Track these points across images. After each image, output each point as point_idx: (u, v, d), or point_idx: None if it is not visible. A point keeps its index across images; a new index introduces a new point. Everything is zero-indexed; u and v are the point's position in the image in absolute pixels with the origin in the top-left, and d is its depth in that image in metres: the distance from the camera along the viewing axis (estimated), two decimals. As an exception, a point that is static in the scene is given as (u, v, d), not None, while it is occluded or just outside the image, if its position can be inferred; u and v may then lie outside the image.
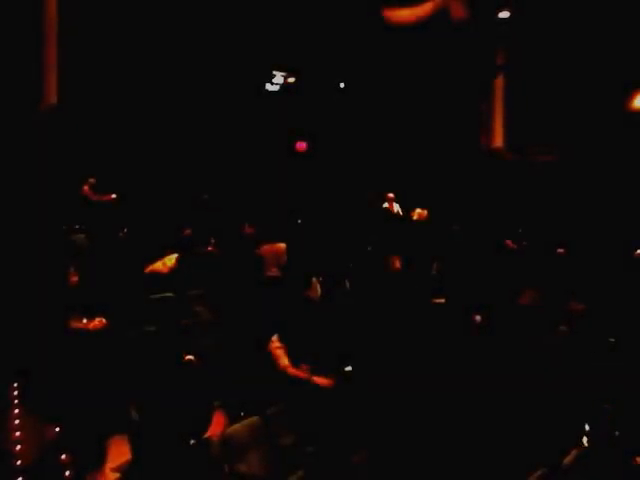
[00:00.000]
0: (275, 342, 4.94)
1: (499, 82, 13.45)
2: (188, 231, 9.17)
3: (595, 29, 11.52)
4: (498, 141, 13.54)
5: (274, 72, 14.32)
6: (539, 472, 3.52)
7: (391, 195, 11.35)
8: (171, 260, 7.16)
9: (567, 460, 3.77)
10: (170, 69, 12.02)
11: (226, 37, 12.43)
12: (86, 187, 10.25)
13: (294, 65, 14.12)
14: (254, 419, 4.08)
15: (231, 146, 12.81)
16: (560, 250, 8.07)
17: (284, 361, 4.80)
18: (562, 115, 12.12)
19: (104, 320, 5.13)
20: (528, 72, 12.66)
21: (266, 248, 7.50)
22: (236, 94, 13.01)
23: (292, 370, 4.77)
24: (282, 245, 7.49)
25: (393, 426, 4.22)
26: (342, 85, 14.96)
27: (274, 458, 3.99)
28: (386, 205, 11.32)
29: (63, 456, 3.27)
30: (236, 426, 3.99)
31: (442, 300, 7.20)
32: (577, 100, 11.89)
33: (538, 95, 12.47)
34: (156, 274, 6.99)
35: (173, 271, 7.04)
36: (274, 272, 7.45)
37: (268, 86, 14.39)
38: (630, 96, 11.82)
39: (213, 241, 8.75)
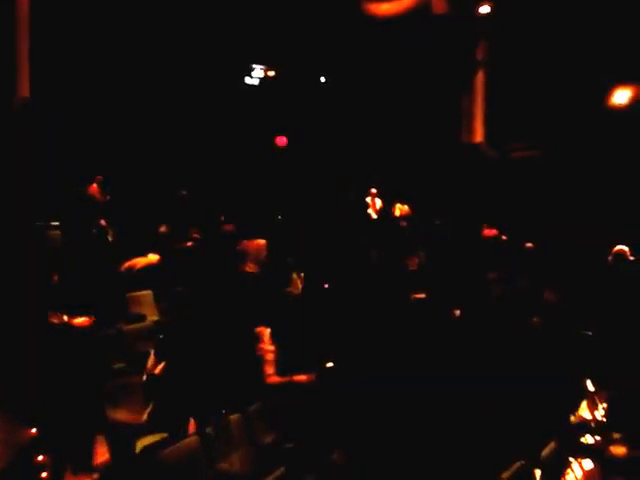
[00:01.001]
0: (267, 343, 4.91)
1: (479, 77, 13.53)
2: (163, 228, 9.08)
3: (575, 25, 11.64)
4: (478, 136, 13.64)
5: (253, 65, 14.21)
6: (517, 464, 3.56)
7: (374, 190, 11.37)
8: (154, 257, 7.11)
9: (545, 452, 3.81)
10: (147, 62, 11.86)
11: (205, 29, 12.30)
12: (94, 185, 10.09)
13: (274, 58, 14.03)
14: (235, 417, 4.06)
15: (210, 141, 12.69)
16: (529, 244, 8.16)
17: (270, 369, 4.78)
18: (542, 111, 12.23)
19: (90, 319, 5.03)
20: (508, 67, 12.75)
21: (246, 244, 7.43)
22: (214, 88, 12.88)
23: (275, 379, 4.76)
24: (262, 241, 7.43)
25: (373, 422, 4.23)
26: (323, 79, 14.91)
27: (255, 456, 3.98)
28: (369, 200, 11.34)
29: (40, 457, 3.22)
30: (217, 425, 3.97)
31: (423, 295, 7.24)
32: (557, 95, 12.01)
33: (519, 90, 12.57)
34: (131, 269, 6.92)
35: (149, 268, 6.98)
36: (252, 268, 7.37)
37: (247, 79, 14.27)
38: (609, 92, 11.98)
39: (195, 236, 8.68)
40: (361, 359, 5.19)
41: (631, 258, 6.82)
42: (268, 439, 4.16)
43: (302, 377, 4.74)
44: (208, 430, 3.83)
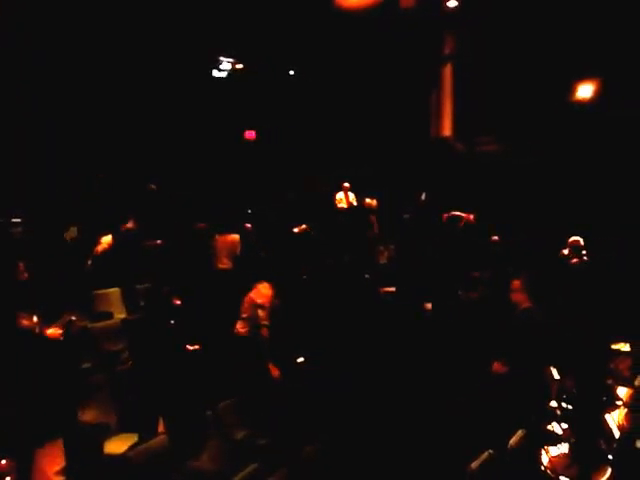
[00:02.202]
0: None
1: (447, 71, 13.64)
2: (130, 223, 8.93)
3: (541, 19, 11.82)
4: (447, 130, 13.76)
5: (221, 58, 14.05)
6: (486, 453, 3.61)
7: (347, 185, 11.37)
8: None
9: (513, 441, 3.88)
10: (114, 55, 11.61)
11: (172, 22, 12.09)
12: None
13: (242, 51, 13.89)
14: (206, 414, 4.04)
15: (178, 135, 12.52)
16: (494, 237, 8.29)
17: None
18: (510, 105, 12.40)
19: (60, 330, 4.88)
20: (476, 62, 12.88)
21: (219, 239, 7.38)
22: (182, 81, 12.69)
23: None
24: (236, 236, 7.39)
25: (344, 414, 4.25)
26: (292, 72, 14.84)
27: (226, 452, 3.96)
28: (341, 194, 11.34)
29: (3, 462, 3.14)
30: (186, 422, 3.93)
31: (392, 289, 7.30)
32: (524, 90, 12.18)
33: (486, 84, 12.71)
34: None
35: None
36: (225, 264, 7.35)
37: (215, 73, 14.10)
38: (573, 87, 12.22)
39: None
40: (332, 353, 5.21)
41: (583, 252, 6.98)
42: (240, 435, 4.15)
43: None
44: (178, 428, 3.79)
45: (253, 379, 4.51)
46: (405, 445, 4.03)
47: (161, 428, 3.96)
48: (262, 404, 4.31)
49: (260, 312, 5.20)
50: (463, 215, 8.73)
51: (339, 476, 3.69)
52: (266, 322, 5.16)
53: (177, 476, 3.58)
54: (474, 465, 3.50)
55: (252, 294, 5.33)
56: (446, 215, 8.63)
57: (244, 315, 5.34)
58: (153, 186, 10.99)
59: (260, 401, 4.32)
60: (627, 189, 10.70)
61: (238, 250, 7.34)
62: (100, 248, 6.99)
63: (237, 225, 8.06)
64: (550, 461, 4.27)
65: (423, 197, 11.88)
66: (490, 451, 3.65)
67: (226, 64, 14.12)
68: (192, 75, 13.14)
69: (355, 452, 3.91)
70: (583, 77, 12.10)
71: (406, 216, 10.28)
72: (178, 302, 5.80)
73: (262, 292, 5.31)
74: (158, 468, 3.52)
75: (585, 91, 12.12)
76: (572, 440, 4.42)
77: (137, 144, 11.91)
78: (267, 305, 5.26)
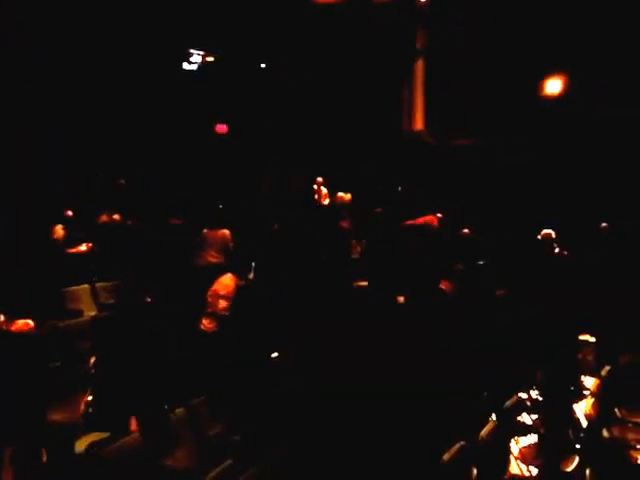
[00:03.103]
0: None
1: (419, 65, 13.72)
2: (104, 217, 8.83)
3: (512, 15, 11.98)
4: (419, 124, 13.85)
5: (191, 51, 13.86)
6: (458, 445, 3.66)
7: (320, 179, 11.35)
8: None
9: (484, 432, 3.94)
10: (83, 47, 11.35)
11: (141, 13, 11.88)
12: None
13: (213, 44, 13.73)
14: (179, 411, 4.00)
15: (148, 128, 12.33)
16: (465, 230, 8.39)
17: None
18: (481, 99, 12.55)
19: (30, 322, 4.77)
20: (448, 56, 12.99)
21: (207, 233, 7.27)
22: (151, 74, 12.48)
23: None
24: (226, 231, 7.28)
25: (317, 410, 4.26)
26: (263, 65, 14.73)
27: (200, 450, 3.93)
28: (315, 189, 11.32)
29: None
30: (160, 419, 3.89)
31: (364, 283, 7.33)
32: (495, 84, 12.34)
33: (458, 79, 12.83)
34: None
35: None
36: (216, 258, 7.21)
37: (185, 65, 13.91)
38: (542, 82, 12.42)
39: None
40: (306, 348, 5.21)
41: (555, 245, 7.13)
42: (213, 432, 4.13)
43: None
44: (150, 426, 3.75)
45: (223, 376, 4.49)
46: (378, 438, 4.06)
47: (133, 427, 3.90)
48: (235, 401, 4.30)
49: (222, 302, 5.18)
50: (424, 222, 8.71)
51: (313, 471, 3.70)
52: (226, 313, 5.14)
53: (149, 474, 3.54)
54: (446, 457, 3.55)
55: (215, 286, 5.31)
56: (408, 225, 8.64)
57: (209, 310, 5.31)
58: (122, 181, 10.84)
59: (233, 398, 4.31)
60: (597, 183, 10.95)
61: (230, 245, 7.26)
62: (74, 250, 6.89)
63: (226, 220, 7.98)
64: (520, 451, 4.36)
65: (399, 189, 11.96)
66: (462, 442, 3.70)
67: (196, 57, 13.94)
68: (162, 68, 12.94)
69: (328, 447, 3.93)
70: (552, 72, 12.31)
71: (378, 210, 10.32)
72: (149, 299, 5.74)
73: (224, 283, 5.30)
74: (130, 466, 3.48)
75: (554, 86, 12.34)
76: (541, 430, 4.52)
77: (109, 138, 11.70)
78: (230, 296, 5.25)
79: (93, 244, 7.76)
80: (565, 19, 11.52)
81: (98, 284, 6.67)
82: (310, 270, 7.54)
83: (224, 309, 5.22)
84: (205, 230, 7.30)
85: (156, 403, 3.96)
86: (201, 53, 13.94)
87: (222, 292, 5.28)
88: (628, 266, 7.07)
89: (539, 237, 7.19)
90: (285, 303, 6.21)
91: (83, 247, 7.73)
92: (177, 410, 3.99)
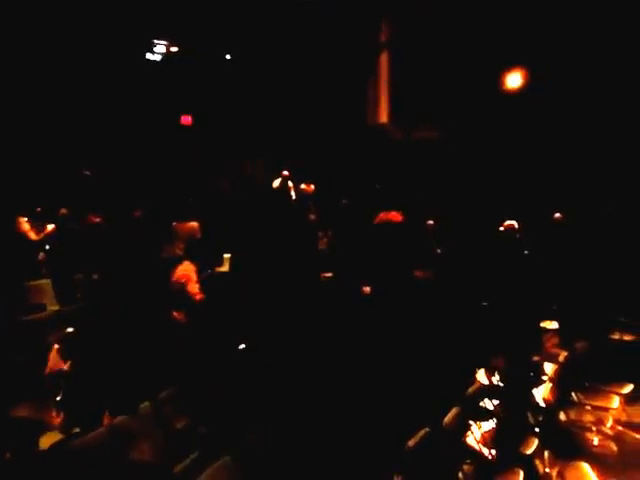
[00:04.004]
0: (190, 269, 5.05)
1: (384, 59, 13.81)
2: (64, 210, 8.64)
3: (475, 9, 12.14)
4: (383, 117, 13.96)
5: (155, 41, 13.63)
6: (422, 431, 3.75)
7: (286, 173, 11.33)
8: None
9: (448, 418, 4.05)
10: (42, 38, 11.05)
11: (103, 1, 11.62)
12: None
13: (177, 34, 13.53)
14: (145, 405, 3.98)
15: (111, 120, 12.10)
16: (429, 222, 8.53)
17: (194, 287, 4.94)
18: (445, 92, 12.70)
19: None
20: (412, 49, 13.10)
21: (177, 226, 7.25)
22: (113, 64, 12.24)
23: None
24: (194, 224, 7.28)
25: (285, 401, 4.30)
26: (228, 57, 14.60)
27: (167, 443, 3.93)
28: (279, 182, 11.29)
29: None
30: (126, 414, 3.87)
31: (330, 274, 7.38)
32: (458, 78, 12.50)
33: (422, 72, 12.96)
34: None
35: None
36: (182, 250, 7.18)
37: (149, 55, 13.68)
38: (503, 76, 12.64)
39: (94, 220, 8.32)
40: (274, 339, 5.25)
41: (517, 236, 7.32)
42: (181, 424, 4.12)
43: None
44: (117, 421, 3.73)
45: (191, 367, 4.49)
46: (345, 427, 4.13)
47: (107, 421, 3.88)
48: (202, 393, 4.30)
49: (185, 290, 5.20)
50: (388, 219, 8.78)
51: (280, 462, 3.74)
52: (191, 300, 5.16)
53: (117, 468, 3.53)
54: (411, 443, 3.64)
55: (175, 277, 5.31)
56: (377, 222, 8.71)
57: (176, 301, 5.31)
58: (87, 172, 10.64)
59: (199, 390, 4.31)
60: (557, 174, 11.25)
61: (198, 237, 7.26)
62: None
63: (194, 212, 7.94)
64: (482, 435, 4.49)
65: (377, 187, 12.02)
66: (426, 429, 3.79)
67: (160, 47, 13.71)
68: (125, 58, 12.69)
69: (295, 437, 3.97)
70: (512, 66, 12.54)
71: (344, 202, 10.39)
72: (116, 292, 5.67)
73: (183, 271, 5.30)
74: (96, 462, 3.46)
75: (514, 80, 12.58)
76: (502, 415, 4.66)
77: (72, 130, 11.44)
78: (191, 283, 5.26)
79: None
80: (526, 15, 11.74)
81: (62, 278, 6.55)
82: (277, 262, 7.55)
83: (188, 297, 5.21)
84: (174, 223, 7.28)
85: (123, 397, 3.94)
86: (165, 43, 13.72)
87: (182, 280, 5.29)
88: (585, 255, 7.30)
89: (501, 228, 7.36)
90: (254, 294, 6.22)
91: (50, 227, 7.62)
92: (144, 403, 3.97)
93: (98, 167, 11.04)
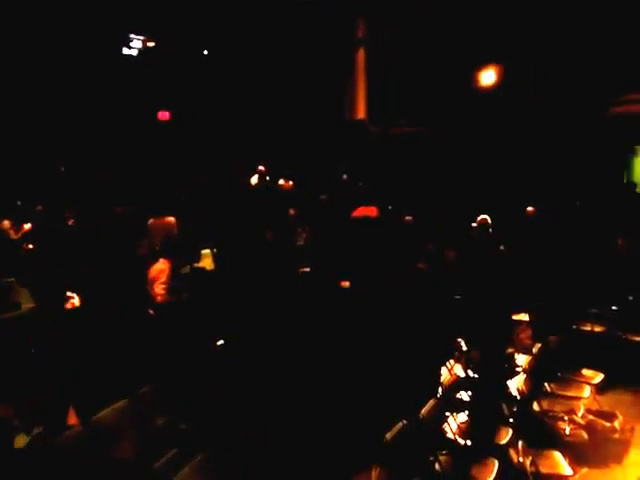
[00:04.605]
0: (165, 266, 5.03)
1: (361, 55, 13.86)
2: (40, 207, 8.56)
3: (451, 6, 12.24)
4: (361, 113, 14.02)
5: (131, 36, 13.49)
6: (400, 424, 3.81)
7: (262, 168, 11.32)
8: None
9: (425, 410, 4.12)
10: (17, 33, 10.86)
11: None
12: None
13: (154, 29, 13.42)
14: (123, 402, 3.98)
15: (87, 115, 11.96)
16: (408, 218, 8.60)
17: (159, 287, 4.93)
18: (422, 88, 12.80)
19: None
20: (389, 46, 13.16)
21: (154, 223, 7.17)
22: (89, 59, 12.08)
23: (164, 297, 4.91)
24: (171, 219, 7.20)
25: (263, 396, 4.33)
26: (205, 52, 14.52)
27: (146, 440, 3.93)
28: (256, 178, 11.29)
29: None
30: (105, 411, 3.87)
31: (308, 269, 7.42)
32: (434, 74, 12.60)
33: (399, 68, 13.03)
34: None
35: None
36: (157, 247, 7.13)
37: (125, 50, 13.54)
38: (477, 73, 12.77)
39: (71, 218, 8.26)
40: (252, 336, 5.26)
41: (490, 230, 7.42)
42: (160, 421, 4.13)
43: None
44: (96, 418, 3.73)
45: (169, 364, 4.49)
46: (322, 421, 4.18)
47: (72, 420, 3.86)
48: (181, 390, 4.31)
49: (158, 288, 5.16)
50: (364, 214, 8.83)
51: (259, 458, 3.78)
52: (164, 298, 5.12)
53: (96, 465, 3.53)
54: (389, 435, 3.70)
55: (150, 275, 5.27)
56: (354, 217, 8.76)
57: (151, 299, 5.28)
58: (62, 168, 10.53)
59: (179, 387, 4.31)
60: (530, 169, 11.42)
61: (174, 232, 7.19)
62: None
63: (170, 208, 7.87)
64: (458, 427, 4.58)
65: (344, 177, 12.08)
66: (404, 421, 3.86)
67: (137, 42, 13.58)
68: (100, 53, 12.54)
69: (274, 431, 4.01)
70: (486, 63, 12.69)
71: (323, 197, 10.42)
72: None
73: (158, 269, 5.26)
74: (75, 459, 3.46)
75: (488, 77, 12.72)
76: (477, 406, 4.75)
77: (48, 126, 11.28)
78: (164, 279, 5.22)
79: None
80: (501, 13, 11.88)
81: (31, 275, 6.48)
82: (256, 257, 7.57)
83: (162, 294, 5.18)
84: (151, 219, 7.22)
85: (98, 394, 3.93)
86: (141, 38, 13.59)
87: (155, 277, 5.23)
88: (556, 248, 7.44)
89: (475, 223, 7.46)
90: (234, 290, 6.23)
91: (27, 226, 7.59)
92: (122, 400, 3.97)
93: (74, 163, 10.93)
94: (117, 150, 12.08)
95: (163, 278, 5.19)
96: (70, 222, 8.19)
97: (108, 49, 13.00)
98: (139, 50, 13.68)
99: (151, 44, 13.77)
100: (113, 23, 12.51)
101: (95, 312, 4.71)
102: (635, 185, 11.27)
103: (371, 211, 8.33)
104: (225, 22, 13.02)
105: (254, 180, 11.24)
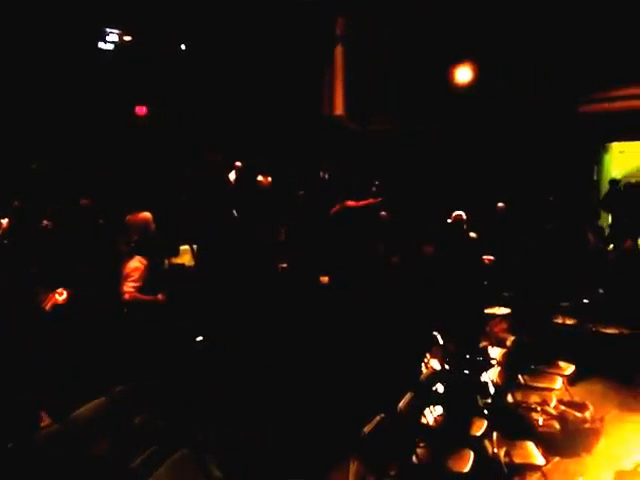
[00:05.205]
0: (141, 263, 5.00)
1: (339, 52, 13.89)
2: (17, 202, 8.42)
3: (427, 4, 12.33)
4: (339, 109, 14.05)
5: (107, 29, 13.31)
6: (378, 417, 3.86)
7: (239, 164, 11.28)
8: None
9: (402, 404, 4.18)
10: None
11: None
12: None
13: (130, 22, 13.25)
14: (100, 400, 3.97)
15: (62, 111, 11.78)
16: (383, 213, 8.68)
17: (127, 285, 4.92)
18: (399, 85, 12.87)
19: None
20: (366, 42, 13.21)
21: (130, 218, 7.10)
22: (64, 54, 11.89)
23: (134, 295, 4.93)
24: (147, 214, 7.12)
25: (241, 392, 4.36)
26: (183, 47, 14.40)
27: (123, 437, 3.93)
28: (234, 174, 11.25)
29: None
30: (81, 409, 3.85)
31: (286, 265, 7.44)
32: (411, 70, 12.68)
33: (376, 65, 13.09)
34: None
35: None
36: (133, 243, 7.06)
37: (101, 45, 13.35)
38: (452, 71, 12.88)
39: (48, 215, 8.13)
40: (232, 331, 5.28)
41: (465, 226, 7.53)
42: (137, 419, 4.12)
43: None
44: (71, 417, 3.71)
45: (148, 362, 4.48)
46: (300, 416, 4.22)
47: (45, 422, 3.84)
48: (160, 387, 4.31)
49: (129, 285, 5.11)
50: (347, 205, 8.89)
51: (235, 453, 3.80)
52: (134, 296, 5.08)
53: (73, 464, 3.52)
54: (367, 429, 3.75)
55: (123, 272, 5.23)
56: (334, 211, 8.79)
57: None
58: (34, 165, 10.36)
59: (158, 384, 4.31)
60: (504, 165, 11.59)
61: (151, 228, 7.12)
62: None
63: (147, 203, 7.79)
64: (435, 419, 4.66)
65: (324, 175, 12.11)
66: (381, 414, 3.91)
67: (113, 36, 13.40)
68: (75, 47, 12.35)
69: (252, 426, 4.04)
70: (462, 61, 12.81)
71: (300, 193, 10.45)
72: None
73: (132, 267, 5.21)
74: (52, 457, 3.45)
75: (463, 75, 12.84)
76: (453, 399, 4.83)
77: (21, 122, 11.08)
78: (136, 277, 5.17)
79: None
80: (476, 10, 12.01)
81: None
82: (236, 254, 7.56)
83: (129, 292, 5.12)
84: (128, 215, 7.16)
85: (71, 393, 3.91)
86: (118, 32, 13.42)
87: (127, 275, 5.18)
88: (528, 243, 7.59)
89: (450, 219, 7.55)
90: (214, 286, 6.23)
91: (4, 221, 7.46)
92: (100, 398, 3.96)
93: (49, 159, 10.76)
94: (94, 145, 11.93)
95: (135, 276, 5.12)
96: (44, 221, 8.07)
97: (83, 43, 12.80)
98: (115, 44, 13.50)
99: (128, 38, 13.60)
100: (88, 17, 12.33)
101: (68, 310, 4.67)
102: (618, 182, 11.56)
103: (351, 203, 8.42)
104: (203, 17, 12.92)
105: (232, 176, 11.20)
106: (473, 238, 7.19)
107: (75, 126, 11.92)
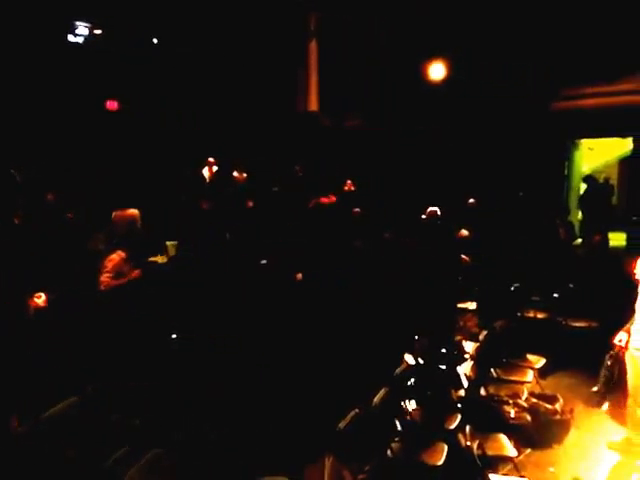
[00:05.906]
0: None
1: (313, 47, 13.87)
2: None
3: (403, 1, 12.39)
4: (313, 105, 14.05)
5: (77, 23, 13.06)
6: (353, 412, 3.89)
7: (211, 159, 11.20)
8: None
9: (377, 398, 4.21)
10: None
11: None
12: None
13: (101, 15, 13.02)
14: (72, 400, 3.91)
15: (30, 106, 11.52)
16: (356, 210, 8.74)
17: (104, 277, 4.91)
18: (372, 81, 12.92)
19: None
20: (340, 38, 13.22)
21: (117, 215, 6.98)
22: (32, 47, 11.63)
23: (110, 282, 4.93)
24: (135, 211, 7.02)
25: (216, 391, 4.34)
26: (155, 41, 14.21)
27: (96, 437, 3.88)
28: (207, 170, 11.18)
29: None
30: (53, 409, 3.79)
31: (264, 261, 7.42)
32: (384, 66, 12.74)
33: (350, 61, 13.11)
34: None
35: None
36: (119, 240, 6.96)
37: (71, 38, 13.09)
38: (425, 67, 12.97)
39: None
40: (211, 329, 5.25)
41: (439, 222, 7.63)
42: (111, 418, 4.07)
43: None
44: (42, 417, 3.65)
45: (122, 360, 4.43)
46: (274, 411, 4.22)
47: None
48: (134, 386, 4.27)
49: (105, 277, 5.08)
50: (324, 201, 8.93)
51: (211, 455, 3.79)
52: (109, 285, 5.04)
53: (45, 464, 3.46)
54: (342, 424, 3.77)
55: (101, 265, 5.18)
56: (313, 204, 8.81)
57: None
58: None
59: (132, 383, 4.27)
60: (476, 163, 11.74)
61: (137, 225, 7.03)
62: None
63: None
64: (410, 413, 4.70)
65: (297, 169, 12.10)
66: (356, 410, 3.93)
67: (83, 29, 13.15)
68: (44, 40, 12.08)
69: (226, 423, 4.03)
70: (434, 58, 12.90)
71: (275, 189, 10.43)
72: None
73: (109, 258, 5.18)
74: (23, 458, 3.39)
75: (437, 71, 12.93)
76: (428, 392, 4.89)
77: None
78: (111, 268, 5.14)
79: None
80: (449, 7, 12.11)
81: None
82: (214, 250, 7.52)
83: (105, 282, 5.08)
84: (114, 213, 7.06)
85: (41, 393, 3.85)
86: (88, 25, 13.17)
87: (103, 266, 5.13)
88: (500, 238, 7.71)
89: (424, 215, 7.63)
90: (192, 283, 6.18)
91: None
92: (71, 398, 3.90)
93: (17, 156, 10.52)
94: (64, 140, 11.72)
95: (108, 267, 5.09)
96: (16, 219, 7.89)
97: (52, 36, 12.54)
98: (85, 38, 13.25)
99: (98, 32, 13.36)
100: (57, 9, 12.08)
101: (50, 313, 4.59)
102: (595, 179, 11.82)
103: (328, 199, 8.43)
104: (175, 11, 12.77)
105: (205, 172, 11.12)
106: (464, 235, 7.27)
107: (45, 120, 11.68)
